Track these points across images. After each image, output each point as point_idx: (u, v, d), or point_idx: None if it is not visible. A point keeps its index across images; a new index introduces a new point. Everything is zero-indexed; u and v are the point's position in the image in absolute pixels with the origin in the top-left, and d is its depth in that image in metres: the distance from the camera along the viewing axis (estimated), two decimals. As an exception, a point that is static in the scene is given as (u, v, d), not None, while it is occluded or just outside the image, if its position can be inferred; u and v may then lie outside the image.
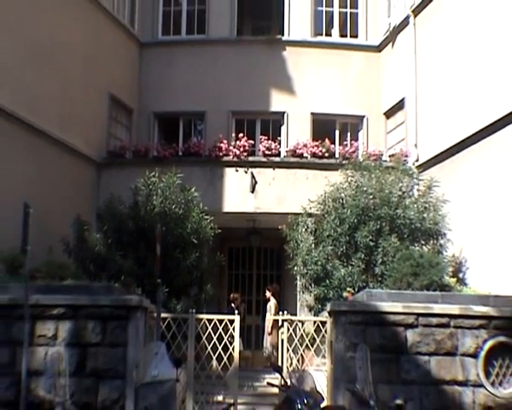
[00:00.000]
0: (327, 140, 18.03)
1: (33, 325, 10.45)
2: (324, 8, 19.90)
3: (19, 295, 10.34)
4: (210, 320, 12.00)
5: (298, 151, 17.68)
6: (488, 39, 13.99)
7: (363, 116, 19.12)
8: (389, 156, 17.51)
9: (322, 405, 8.97)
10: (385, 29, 18.96)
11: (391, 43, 18.65)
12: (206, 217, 14.55)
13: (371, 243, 13.51)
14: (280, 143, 18.39)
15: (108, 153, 17.94)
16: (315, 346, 11.95)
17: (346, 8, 19.93)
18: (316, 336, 11.93)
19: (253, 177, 17.24)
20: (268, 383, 10.36)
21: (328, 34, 19.89)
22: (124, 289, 11.89)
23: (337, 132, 19.16)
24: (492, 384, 10.99)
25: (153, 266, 12.26)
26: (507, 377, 11.11)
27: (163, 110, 19.56)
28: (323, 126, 18.87)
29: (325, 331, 11.76)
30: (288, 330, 12.20)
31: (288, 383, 8.96)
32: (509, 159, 13.04)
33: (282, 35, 19.73)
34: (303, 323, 12.54)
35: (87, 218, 14.40)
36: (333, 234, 13.91)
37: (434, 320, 11.07)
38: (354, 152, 17.92)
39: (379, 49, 19.28)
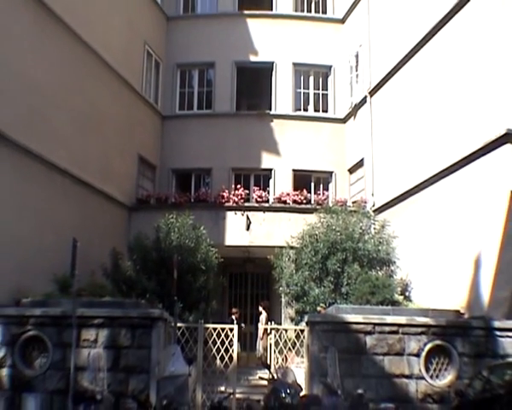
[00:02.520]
0: (304, 190, 18.04)
1: (79, 331, 10.49)
2: (302, 90, 19.82)
3: (68, 308, 10.42)
4: (215, 329, 11.98)
5: (282, 198, 17.67)
6: (423, 114, 14.20)
7: (332, 172, 18.96)
8: (352, 203, 17.39)
9: (301, 394, 9.06)
10: (348, 106, 18.98)
11: (353, 117, 18.66)
12: (211, 249, 14.46)
13: (338, 269, 13.44)
14: (268, 193, 18.33)
15: (137, 200, 17.82)
16: (295, 348, 11.95)
17: (319, 89, 19.87)
18: (296, 341, 11.93)
19: (247, 218, 17.22)
20: (259, 377, 10.43)
21: (305, 109, 19.77)
22: (148, 304, 11.91)
23: (312, 184, 18.94)
24: (431, 377, 11.01)
25: (171, 287, 12.21)
26: (442, 371, 11.12)
27: (179, 167, 19.38)
28: (302, 180, 18.75)
29: (303, 337, 11.74)
30: (275, 336, 12.17)
31: (275, 377, 9.04)
32: (439, 206, 13.19)
33: (270, 110, 19.63)
34: (286, 331, 12.43)
35: (120, 249, 14.30)
36: (309, 262, 13.81)
37: (387, 328, 11.11)
38: (325, 199, 17.87)
39: (344, 121, 19.22)
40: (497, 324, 11.26)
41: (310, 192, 18.46)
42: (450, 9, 13.17)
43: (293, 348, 12.00)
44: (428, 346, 11.12)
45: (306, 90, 19.94)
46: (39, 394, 10.66)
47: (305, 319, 11.90)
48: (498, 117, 11.44)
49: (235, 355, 11.95)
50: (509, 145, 11.17)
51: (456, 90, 13.00)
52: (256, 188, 18.33)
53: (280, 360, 11.95)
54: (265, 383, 9.62)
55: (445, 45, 13.63)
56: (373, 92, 17.25)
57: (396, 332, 11.16)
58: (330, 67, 19.83)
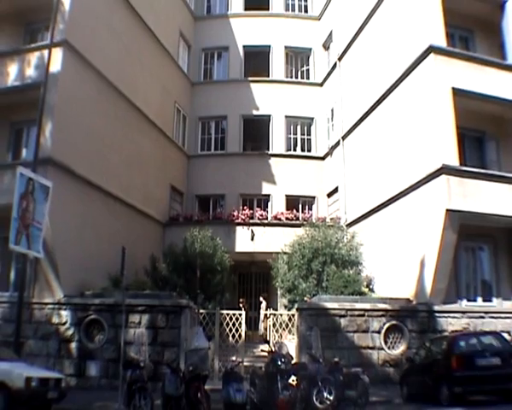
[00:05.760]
0: (294, 210, 18.08)
1: (127, 316, 10.70)
2: (292, 136, 19.81)
3: (119, 299, 10.54)
4: (228, 314, 12.12)
5: (278, 217, 17.66)
6: (381, 153, 14.36)
7: (315, 196, 18.89)
8: (330, 219, 17.35)
9: (293, 362, 9.13)
10: (326, 147, 19.02)
11: (330, 155, 18.68)
12: (225, 255, 14.49)
13: (320, 269, 13.47)
14: (267, 212, 18.33)
15: (170, 218, 17.80)
16: (288, 328, 12.07)
17: (304, 135, 19.84)
18: (289, 323, 12.05)
19: (252, 232, 17.22)
20: (261, 350, 10.38)
21: (295, 150, 19.74)
22: (178, 296, 12.02)
23: (300, 205, 18.88)
24: (388, 348, 11.19)
25: (195, 283, 12.44)
26: (396, 343, 11.28)
27: (200, 193, 19.31)
28: (292, 202, 18.72)
29: (294, 320, 11.89)
30: (273, 319, 12.31)
31: (273, 350, 9.08)
32: (394, 221, 13.34)
33: (268, 150, 19.55)
34: (281, 315, 12.53)
35: (157, 255, 14.41)
36: (298, 264, 13.81)
37: (356, 312, 11.33)
38: (310, 217, 17.79)
39: (323, 158, 19.21)
40: (436, 308, 11.52)
41: (298, 211, 18.47)
42: (402, 74, 13.46)
43: (287, 328, 12.12)
44: (387, 325, 11.33)
45: (295, 136, 19.97)
46: (98, 361, 10.94)
47: (296, 306, 12.09)
48: (436, 155, 11.73)
49: (243, 334, 12.05)
50: (444, 176, 11.47)
51: (404, 135, 13.26)
52: (258, 209, 18.34)
53: (277, 337, 12.04)
54: (266, 354, 9.65)
55: (395, 103, 13.94)
56: (345, 137, 17.40)
57: (363, 315, 11.37)
58: (313, 118, 19.91)
